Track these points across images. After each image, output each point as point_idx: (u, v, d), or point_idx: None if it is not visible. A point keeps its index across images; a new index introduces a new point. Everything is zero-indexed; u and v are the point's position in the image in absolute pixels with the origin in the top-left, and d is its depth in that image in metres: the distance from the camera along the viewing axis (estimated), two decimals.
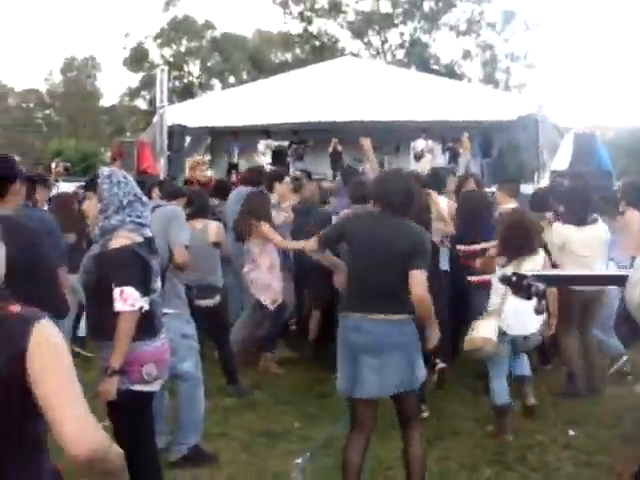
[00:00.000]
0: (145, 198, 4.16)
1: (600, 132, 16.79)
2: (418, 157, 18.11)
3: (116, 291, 3.70)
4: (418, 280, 4.30)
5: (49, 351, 1.91)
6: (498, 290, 5.70)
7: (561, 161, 15.02)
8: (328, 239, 4.78)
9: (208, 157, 22.12)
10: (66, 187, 13.95)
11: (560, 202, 7.63)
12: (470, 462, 5.40)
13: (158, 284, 4.06)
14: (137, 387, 3.88)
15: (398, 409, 4.55)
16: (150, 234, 4.01)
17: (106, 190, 3.88)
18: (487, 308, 5.89)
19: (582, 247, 6.73)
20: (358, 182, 7.49)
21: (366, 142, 8.49)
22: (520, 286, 1.87)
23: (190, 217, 6.42)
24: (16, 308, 1.94)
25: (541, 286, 1.86)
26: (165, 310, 4.54)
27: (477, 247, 6.92)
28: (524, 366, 6.22)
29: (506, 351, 5.81)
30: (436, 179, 8.09)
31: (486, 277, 6.35)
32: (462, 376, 7.31)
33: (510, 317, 5.55)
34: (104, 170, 4.03)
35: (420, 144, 18.14)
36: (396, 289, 4.36)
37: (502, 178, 19.44)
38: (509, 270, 5.18)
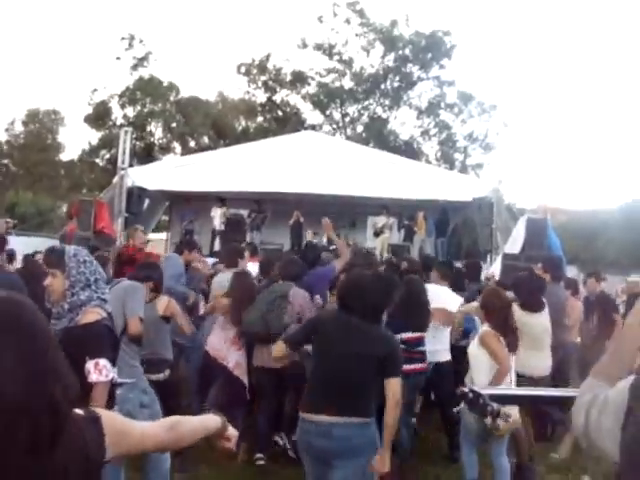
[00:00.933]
0: (104, 275, 4.24)
1: (552, 215, 17.17)
2: (377, 233, 18.30)
3: (90, 363, 3.75)
4: (395, 388, 4.35)
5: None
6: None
7: (514, 245, 15.26)
8: (297, 341, 4.85)
9: (166, 218, 22.20)
10: (18, 242, 13.77)
11: (514, 287, 7.76)
12: None
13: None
14: None
15: None
16: (110, 309, 4.07)
17: (74, 268, 3.98)
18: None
19: (538, 333, 6.88)
20: (290, 261, 7.65)
21: (326, 222, 8.59)
22: (476, 404, 1.92)
23: None
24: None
25: (496, 406, 1.90)
26: (120, 380, 4.50)
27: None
28: None
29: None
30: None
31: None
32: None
33: None
34: (69, 249, 4.10)
35: (381, 220, 18.36)
36: (363, 393, 4.39)
37: (456, 256, 19.89)
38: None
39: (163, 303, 6.54)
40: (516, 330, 5.86)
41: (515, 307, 6.52)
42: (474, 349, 5.79)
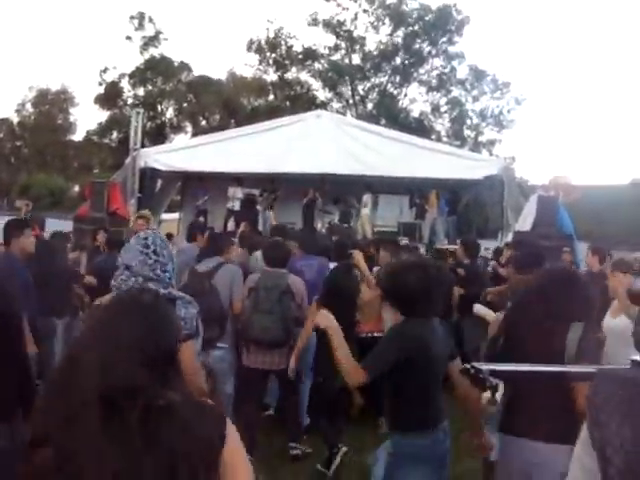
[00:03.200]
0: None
1: (565, 192, 17.19)
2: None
3: None
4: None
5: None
6: None
7: (524, 222, 15.35)
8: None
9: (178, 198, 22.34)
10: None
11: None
12: None
13: None
14: None
15: None
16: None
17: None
18: None
19: None
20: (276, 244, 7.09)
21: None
22: (476, 379, 2.05)
23: None
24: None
25: (494, 381, 2.03)
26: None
27: None
28: None
29: None
30: None
31: None
32: None
33: None
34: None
35: (368, 200, 18.52)
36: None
37: (467, 234, 19.96)
38: None
39: None
40: None
41: None
42: None
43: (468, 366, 2.05)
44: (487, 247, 15.60)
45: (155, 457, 1.82)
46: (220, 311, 5.98)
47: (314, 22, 46.35)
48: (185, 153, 17.60)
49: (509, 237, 15.81)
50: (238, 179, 18.57)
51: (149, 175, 16.84)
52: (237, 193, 18.74)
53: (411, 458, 3.92)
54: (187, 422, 1.89)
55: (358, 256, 7.03)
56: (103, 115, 49.11)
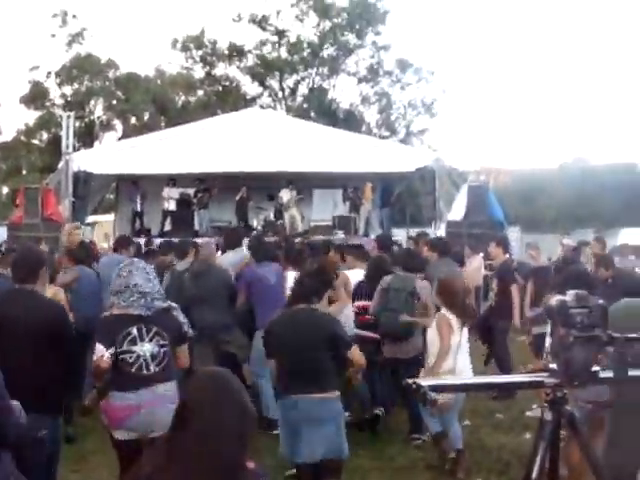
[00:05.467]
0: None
1: (494, 177, 17.60)
2: (282, 209, 18.85)
3: None
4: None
5: None
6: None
7: (456, 212, 15.79)
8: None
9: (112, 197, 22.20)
10: None
11: None
12: None
13: None
14: None
15: None
16: None
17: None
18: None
19: None
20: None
21: None
22: (418, 394, 2.27)
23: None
24: (250, 464, 2.19)
25: (434, 395, 2.26)
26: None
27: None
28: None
29: None
30: None
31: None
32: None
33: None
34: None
35: (285, 194, 18.74)
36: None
37: (401, 224, 20.33)
38: None
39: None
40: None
41: None
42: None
43: (410, 381, 2.27)
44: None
45: None
46: None
47: (239, 18, 46.23)
48: (118, 155, 17.54)
49: (442, 227, 16.26)
50: (172, 180, 18.60)
51: (83, 179, 16.73)
52: (172, 193, 18.78)
53: None
54: None
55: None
56: (30, 115, 48.06)
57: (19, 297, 4.73)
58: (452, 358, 6.20)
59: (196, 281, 7.78)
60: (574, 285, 2.88)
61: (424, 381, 2.24)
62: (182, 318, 4.92)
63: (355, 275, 8.09)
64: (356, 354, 5.01)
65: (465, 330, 6.39)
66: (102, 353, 4.46)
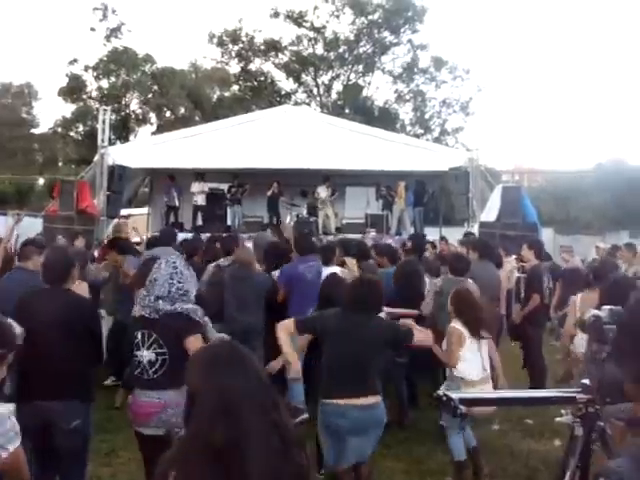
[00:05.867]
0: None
1: (528, 178, 17.45)
2: (314, 208, 19.18)
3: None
4: None
5: None
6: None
7: (490, 213, 15.65)
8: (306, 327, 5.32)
9: (146, 189, 22.35)
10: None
11: None
12: None
13: None
14: None
15: None
16: None
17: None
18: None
19: None
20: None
21: None
22: (448, 406, 2.26)
23: None
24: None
25: (463, 408, 2.25)
26: None
27: (401, 311, 7.25)
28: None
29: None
30: None
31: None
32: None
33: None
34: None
35: (322, 191, 18.87)
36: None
37: (434, 224, 20.20)
38: None
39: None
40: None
41: None
42: None
43: (441, 393, 2.26)
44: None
45: None
46: None
47: (275, 14, 46.30)
48: (153, 150, 17.64)
49: (475, 227, 16.13)
50: (200, 174, 18.69)
51: (117, 172, 16.86)
52: (203, 188, 18.86)
53: None
54: None
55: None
56: (67, 108, 48.57)
57: (51, 296, 4.94)
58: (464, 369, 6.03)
59: (234, 284, 7.73)
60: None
61: (454, 394, 2.23)
62: (193, 310, 4.72)
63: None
64: (420, 337, 5.07)
65: (484, 343, 6.20)
66: None
